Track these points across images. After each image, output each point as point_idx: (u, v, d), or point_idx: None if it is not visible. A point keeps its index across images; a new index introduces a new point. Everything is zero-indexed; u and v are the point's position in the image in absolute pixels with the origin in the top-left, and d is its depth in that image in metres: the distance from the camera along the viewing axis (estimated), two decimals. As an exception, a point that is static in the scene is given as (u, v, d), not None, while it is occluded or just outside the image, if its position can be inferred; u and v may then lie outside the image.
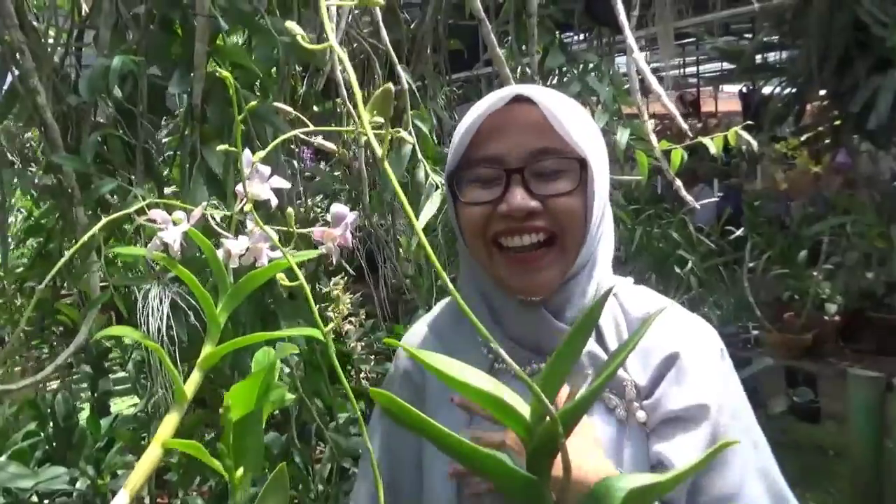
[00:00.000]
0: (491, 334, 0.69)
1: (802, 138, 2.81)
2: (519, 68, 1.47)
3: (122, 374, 1.84)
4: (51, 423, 1.44)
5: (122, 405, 2.05)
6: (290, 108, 0.52)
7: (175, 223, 0.49)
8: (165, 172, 1.24)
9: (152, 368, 0.93)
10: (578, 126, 0.64)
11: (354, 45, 1.43)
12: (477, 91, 2.15)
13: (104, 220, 0.50)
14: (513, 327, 0.68)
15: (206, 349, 0.50)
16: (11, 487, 1.19)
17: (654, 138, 1.20)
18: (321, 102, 1.49)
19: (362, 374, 1.88)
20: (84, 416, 1.56)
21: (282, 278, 0.50)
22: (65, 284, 1.40)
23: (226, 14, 0.94)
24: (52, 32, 1.23)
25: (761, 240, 2.57)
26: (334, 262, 0.51)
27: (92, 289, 1.07)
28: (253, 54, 1.02)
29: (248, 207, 0.44)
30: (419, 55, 1.61)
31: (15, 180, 1.22)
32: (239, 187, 0.46)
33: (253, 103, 0.42)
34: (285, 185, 0.49)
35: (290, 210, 0.45)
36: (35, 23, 1.16)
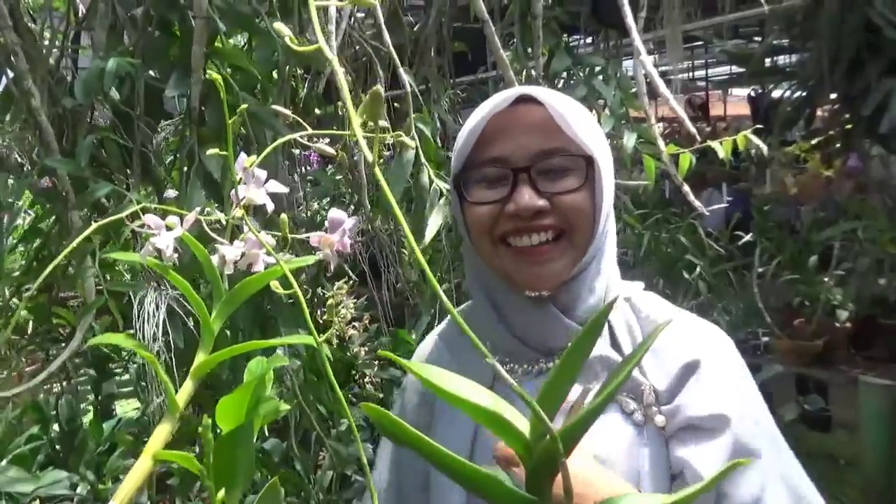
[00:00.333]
0: (497, 333, 0.68)
1: (813, 142, 2.78)
2: (524, 71, 1.46)
3: (126, 376, 1.83)
4: (55, 427, 1.43)
5: (128, 407, 2.05)
6: (288, 112, 0.51)
7: (168, 228, 0.48)
8: (163, 176, 1.23)
9: (149, 375, 0.92)
10: (583, 124, 0.64)
11: (357, 48, 1.42)
12: (482, 94, 2.13)
13: (95, 224, 0.48)
14: (519, 325, 0.67)
15: (200, 357, 0.49)
16: (12, 492, 1.18)
17: (661, 142, 1.18)
18: (323, 105, 1.48)
19: (367, 379, 1.86)
20: (88, 419, 1.55)
21: (276, 286, 0.48)
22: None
23: (224, 16, 0.93)
24: (47, 34, 1.21)
25: (771, 245, 2.53)
26: (332, 268, 0.50)
27: (87, 293, 1.06)
28: (252, 56, 1.01)
29: (240, 213, 0.43)
30: (422, 58, 1.59)
31: (10, 181, 1.21)
32: (234, 192, 0.45)
33: (245, 105, 0.40)
34: (282, 189, 0.48)
35: (283, 216, 0.44)
36: (30, 24, 1.16)
